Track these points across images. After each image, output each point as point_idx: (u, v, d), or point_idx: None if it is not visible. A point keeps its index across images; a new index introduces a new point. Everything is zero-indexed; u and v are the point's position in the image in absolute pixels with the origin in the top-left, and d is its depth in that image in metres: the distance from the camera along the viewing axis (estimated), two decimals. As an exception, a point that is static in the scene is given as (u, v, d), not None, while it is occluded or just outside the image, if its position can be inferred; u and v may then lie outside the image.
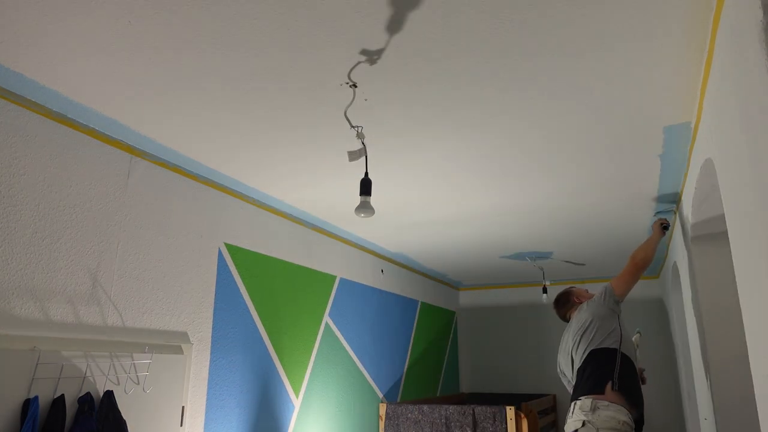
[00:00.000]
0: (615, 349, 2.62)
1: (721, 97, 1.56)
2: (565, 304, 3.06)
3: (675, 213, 3.24)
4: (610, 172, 2.68)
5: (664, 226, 3.16)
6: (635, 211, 3.36)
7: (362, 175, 1.97)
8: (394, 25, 1.54)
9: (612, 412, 2.44)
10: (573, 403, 2.58)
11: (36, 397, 1.80)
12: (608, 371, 2.55)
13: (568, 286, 3.27)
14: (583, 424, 2.44)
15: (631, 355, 2.66)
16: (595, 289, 3.03)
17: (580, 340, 2.75)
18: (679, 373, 4.61)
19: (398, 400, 4.65)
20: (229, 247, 2.87)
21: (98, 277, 2.15)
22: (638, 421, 2.56)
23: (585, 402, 2.49)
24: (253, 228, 3.09)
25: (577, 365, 2.73)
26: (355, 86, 1.86)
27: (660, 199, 3.10)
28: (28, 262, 1.91)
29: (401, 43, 1.62)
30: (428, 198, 3.10)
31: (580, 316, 2.85)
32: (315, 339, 3.55)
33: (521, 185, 2.88)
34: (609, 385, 2.50)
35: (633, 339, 3.12)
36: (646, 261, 2.89)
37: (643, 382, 2.99)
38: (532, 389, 6.01)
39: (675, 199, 3.11)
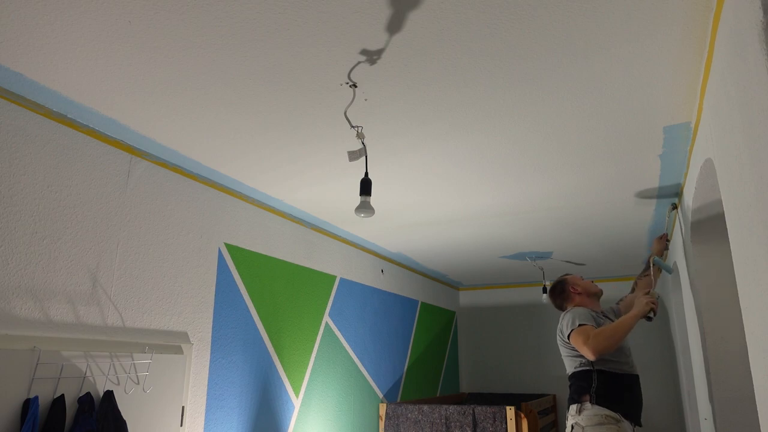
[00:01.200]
0: (589, 370, 2.70)
1: (721, 97, 1.56)
2: (560, 293, 3.04)
3: (675, 213, 3.22)
4: (610, 172, 2.68)
5: (648, 317, 2.63)
6: (635, 211, 3.36)
7: (362, 175, 1.97)
8: (394, 25, 1.54)
9: (595, 409, 2.59)
10: (567, 410, 2.78)
11: (36, 397, 1.80)
12: (585, 388, 2.68)
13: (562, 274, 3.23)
14: (572, 428, 2.63)
15: (615, 368, 2.68)
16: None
17: (563, 359, 2.91)
18: (679, 373, 4.61)
19: (398, 400, 4.64)
20: (229, 247, 2.87)
21: (98, 277, 2.15)
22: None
23: (573, 407, 2.70)
24: (253, 228, 3.09)
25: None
26: (355, 86, 1.86)
27: (660, 195, 3.08)
28: (28, 262, 1.91)
29: (401, 43, 1.62)
30: (428, 198, 3.10)
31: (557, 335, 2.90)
32: (315, 339, 3.55)
33: (521, 185, 2.88)
34: (587, 398, 2.66)
35: (667, 212, 3.12)
36: (609, 348, 2.51)
37: (668, 241, 3.18)
38: (532, 389, 6.02)
39: (672, 211, 3.11)
